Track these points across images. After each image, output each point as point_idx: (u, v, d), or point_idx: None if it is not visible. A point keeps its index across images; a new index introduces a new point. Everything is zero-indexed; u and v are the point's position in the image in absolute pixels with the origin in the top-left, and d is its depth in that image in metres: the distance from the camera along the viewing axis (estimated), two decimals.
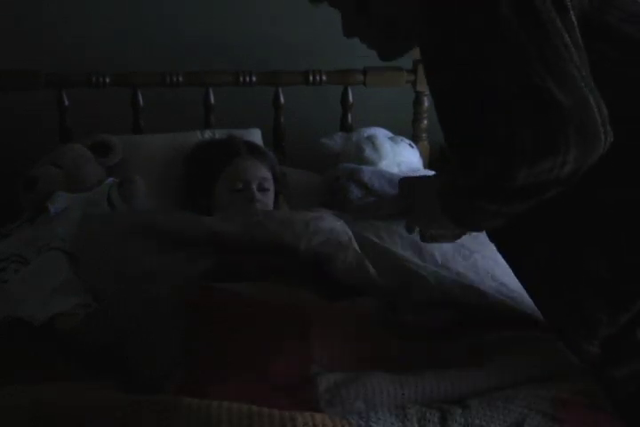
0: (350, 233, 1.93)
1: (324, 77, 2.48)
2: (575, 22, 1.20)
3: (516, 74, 1.16)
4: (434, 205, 1.36)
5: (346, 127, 2.57)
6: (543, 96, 1.14)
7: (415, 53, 2.25)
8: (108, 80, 2.39)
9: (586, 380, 1.48)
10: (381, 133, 2.48)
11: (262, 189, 2.14)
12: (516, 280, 1.65)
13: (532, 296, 1.52)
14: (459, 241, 1.85)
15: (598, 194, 1.30)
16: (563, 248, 1.36)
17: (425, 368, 1.50)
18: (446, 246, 1.88)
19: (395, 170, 2.35)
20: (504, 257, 1.52)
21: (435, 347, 1.67)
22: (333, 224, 1.93)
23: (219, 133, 2.39)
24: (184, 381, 1.41)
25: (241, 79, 2.44)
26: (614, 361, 1.38)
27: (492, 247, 1.56)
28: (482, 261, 1.89)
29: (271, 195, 2.18)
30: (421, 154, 2.53)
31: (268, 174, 2.18)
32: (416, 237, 1.66)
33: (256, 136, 2.42)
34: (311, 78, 2.47)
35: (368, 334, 1.63)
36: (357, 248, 1.90)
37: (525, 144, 1.15)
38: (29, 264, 1.89)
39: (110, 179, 2.21)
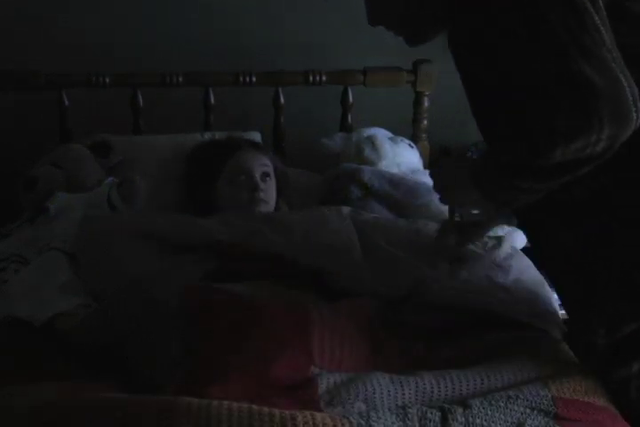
0: (355, 238, 1.90)
1: (323, 77, 2.48)
2: (602, 5, 1.25)
3: (551, 58, 1.21)
4: (465, 183, 1.42)
5: (346, 127, 2.57)
6: (578, 78, 1.18)
7: (416, 54, 2.26)
8: (107, 80, 2.39)
9: (586, 379, 1.48)
10: (381, 134, 2.48)
11: (264, 179, 2.14)
12: (519, 285, 1.66)
13: (556, 286, 1.58)
14: (468, 246, 1.86)
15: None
16: (591, 240, 1.41)
17: (425, 368, 1.51)
18: (455, 252, 1.87)
19: (395, 170, 2.35)
20: (533, 247, 1.59)
21: (435, 347, 1.68)
22: (337, 230, 1.90)
23: (218, 135, 2.39)
24: (184, 381, 1.41)
25: (241, 79, 2.44)
26: (627, 359, 1.40)
27: None
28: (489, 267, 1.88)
29: (273, 185, 2.18)
30: (421, 154, 2.52)
31: (269, 164, 2.19)
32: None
33: (256, 139, 2.42)
34: (311, 78, 2.47)
35: (368, 334, 1.63)
36: (359, 256, 1.85)
37: (561, 124, 1.20)
38: (29, 264, 1.89)
39: (110, 179, 2.21)
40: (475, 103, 1.46)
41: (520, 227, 1.62)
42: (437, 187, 1.59)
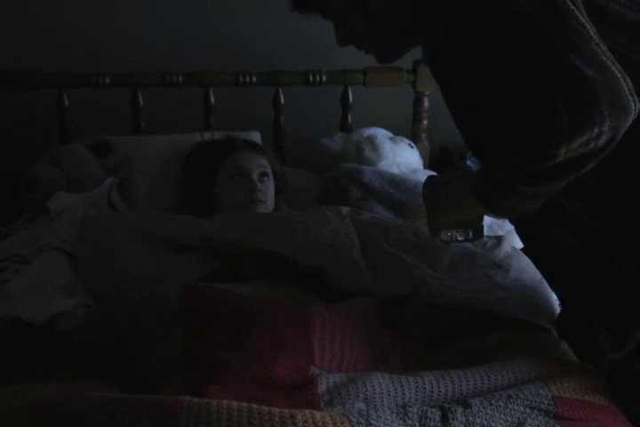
0: (355, 238, 1.89)
1: (323, 77, 2.48)
2: (581, 3, 1.26)
3: (542, 56, 1.21)
4: (463, 198, 1.42)
5: (346, 127, 2.57)
6: (572, 74, 1.19)
7: (415, 54, 2.26)
8: (107, 80, 2.39)
9: (586, 379, 1.48)
10: (381, 134, 2.48)
11: (262, 180, 2.14)
12: (518, 284, 1.66)
13: (559, 292, 1.58)
14: (467, 246, 1.85)
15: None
16: (593, 247, 1.41)
17: (425, 368, 1.51)
18: (455, 252, 1.87)
19: (394, 170, 2.35)
20: (531, 251, 1.60)
21: (435, 347, 1.68)
22: (336, 230, 1.89)
23: (218, 135, 2.40)
24: (184, 381, 1.41)
25: (241, 79, 2.44)
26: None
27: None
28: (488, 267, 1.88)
29: (271, 185, 2.18)
30: (421, 154, 2.53)
31: (267, 164, 2.19)
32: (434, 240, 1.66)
33: (255, 138, 2.42)
34: (311, 78, 2.47)
35: (368, 334, 1.63)
36: (359, 256, 1.84)
37: (562, 121, 1.20)
38: (30, 264, 1.89)
39: (110, 179, 2.21)
40: (461, 117, 1.45)
41: (517, 229, 1.61)
42: (429, 205, 1.56)
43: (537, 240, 1.55)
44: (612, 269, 1.41)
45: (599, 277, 1.43)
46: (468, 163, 2.68)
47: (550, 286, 1.66)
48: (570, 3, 1.23)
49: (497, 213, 1.43)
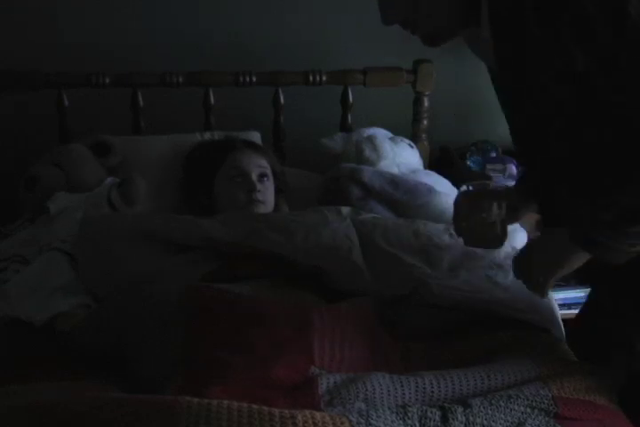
0: (355, 238, 1.89)
1: (324, 77, 2.48)
2: None
3: None
4: (561, 247, 1.40)
5: (346, 127, 2.57)
6: None
7: (415, 54, 2.26)
8: (107, 80, 2.39)
9: (586, 378, 1.49)
10: (381, 134, 2.48)
11: (262, 180, 2.14)
12: (518, 284, 1.65)
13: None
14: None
15: None
16: None
17: (425, 368, 1.51)
18: (455, 252, 1.87)
19: (394, 170, 2.35)
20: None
21: (435, 347, 1.68)
22: (336, 230, 1.89)
23: (218, 135, 2.39)
24: (184, 381, 1.41)
25: (241, 79, 2.44)
26: None
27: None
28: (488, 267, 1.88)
29: (271, 186, 2.18)
30: (421, 154, 2.52)
31: (266, 165, 2.19)
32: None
33: (255, 138, 2.42)
34: (311, 78, 2.47)
35: (368, 334, 1.63)
36: (359, 256, 1.84)
37: None
38: (30, 264, 1.89)
39: (110, 179, 2.21)
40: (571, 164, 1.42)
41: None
42: (527, 271, 1.53)
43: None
44: None
45: None
46: (468, 163, 2.68)
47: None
48: None
49: (607, 257, 1.39)
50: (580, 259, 1.42)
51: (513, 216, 1.71)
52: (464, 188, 1.78)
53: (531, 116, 1.44)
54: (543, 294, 1.52)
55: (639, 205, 1.28)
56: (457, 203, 1.73)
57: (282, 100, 2.52)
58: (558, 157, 1.43)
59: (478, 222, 1.67)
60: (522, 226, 2.15)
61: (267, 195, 2.14)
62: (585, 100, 1.31)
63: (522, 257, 1.55)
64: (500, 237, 1.68)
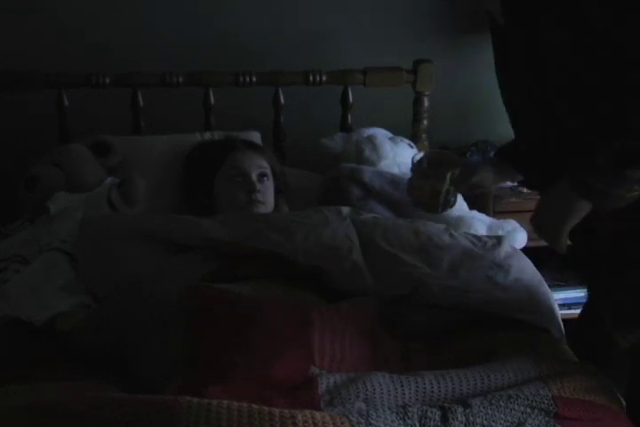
0: (355, 238, 1.89)
1: (324, 77, 2.48)
2: None
3: None
4: (563, 198, 1.42)
5: (346, 127, 2.57)
6: None
7: (415, 54, 2.25)
8: (107, 80, 2.39)
9: (586, 378, 1.49)
10: (381, 134, 2.48)
11: (262, 180, 2.14)
12: (518, 284, 1.65)
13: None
14: (467, 246, 1.85)
15: None
16: None
17: (425, 368, 1.51)
18: (455, 252, 1.87)
19: (395, 170, 2.35)
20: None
21: (434, 347, 1.68)
22: (337, 230, 1.89)
23: (218, 135, 2.39)
24: (184, 381, 1.41)
25: (241, 79, 2.44)
26: None
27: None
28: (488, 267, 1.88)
29: (271, 186, 2.18)
30: None
31: (266, 165, 2.19)
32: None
33: (255, 138, 2.42)
34: (311, 78, 2.47)
35: (368, 334, 1.63)
36: (359, 256, 1.84)
37: None
38: (30, 264, 1.89)
39: (110, 179, 2.21)
40: (570, 100, 1.44)
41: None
42: (543, 228, 1.53)
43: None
44: None
45: None
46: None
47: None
48: None
49: (605, 204, 1.40)
50: (584, 208, 1.42)
51: (463, 182, 1.82)
52: (418, 155, 1.90)
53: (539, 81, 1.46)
54: (562, 246, 1.52)
55: (633, 147, 1.29)
56: (413, 168, 1.86)
57: (282, 100, 2.52)
58: (573, 128, 1.46)
59: (420, 188, 1.86)
60: (522, 226, 2.15)
61: (267, 195, 2.14)
62: (599, 71, 1.34)
63: (534, 217, 1.56)
64: (443, 204, 1.84)
